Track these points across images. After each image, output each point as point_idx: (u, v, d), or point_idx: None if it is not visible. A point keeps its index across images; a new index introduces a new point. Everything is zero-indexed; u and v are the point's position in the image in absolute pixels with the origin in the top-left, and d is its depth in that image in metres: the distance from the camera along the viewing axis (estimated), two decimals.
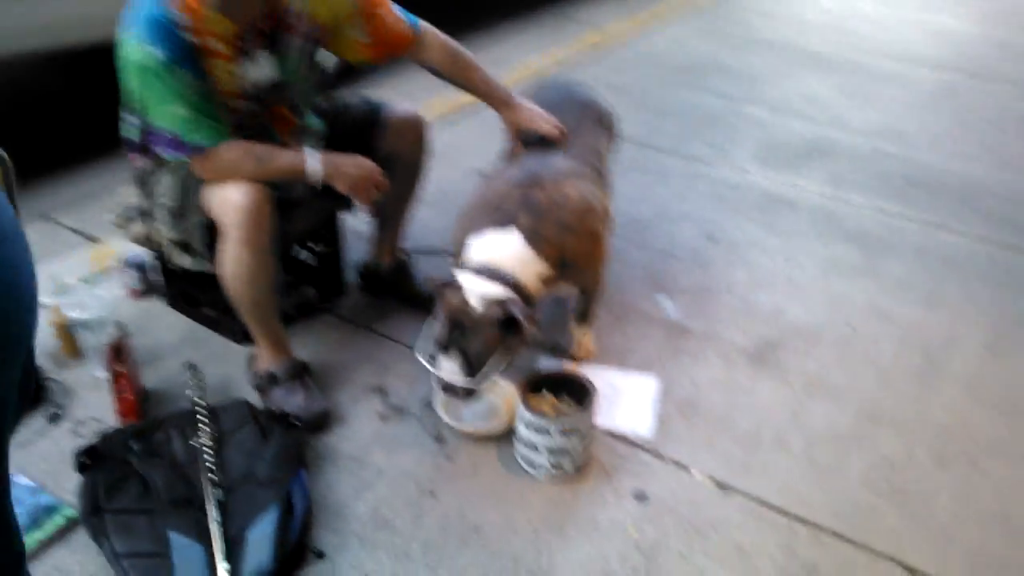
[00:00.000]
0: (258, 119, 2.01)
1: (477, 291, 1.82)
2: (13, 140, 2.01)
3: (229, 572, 1.57)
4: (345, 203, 2.31)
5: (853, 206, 3.12)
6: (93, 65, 2.81)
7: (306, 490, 1.78)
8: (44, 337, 2.14)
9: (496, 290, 1.82)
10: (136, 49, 1.77)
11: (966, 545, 1.79)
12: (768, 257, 2.79)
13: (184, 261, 2.10)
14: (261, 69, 1.95)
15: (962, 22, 5.42)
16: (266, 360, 2.07)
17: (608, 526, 1.80)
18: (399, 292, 2.44)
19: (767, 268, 2.73)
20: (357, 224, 2.59)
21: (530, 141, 2.18)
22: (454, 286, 1.85)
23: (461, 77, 2.21)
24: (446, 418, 2.01)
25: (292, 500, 1.73)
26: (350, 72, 3.31)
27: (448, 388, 1.87)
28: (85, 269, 2.52)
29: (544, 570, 1.69)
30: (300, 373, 2.07)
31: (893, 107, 4.05)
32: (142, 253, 2.34)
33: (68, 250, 2.65)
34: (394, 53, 2.15)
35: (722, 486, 1.91)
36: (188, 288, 2.30)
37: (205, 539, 1.62)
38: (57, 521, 1.71)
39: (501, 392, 2.09)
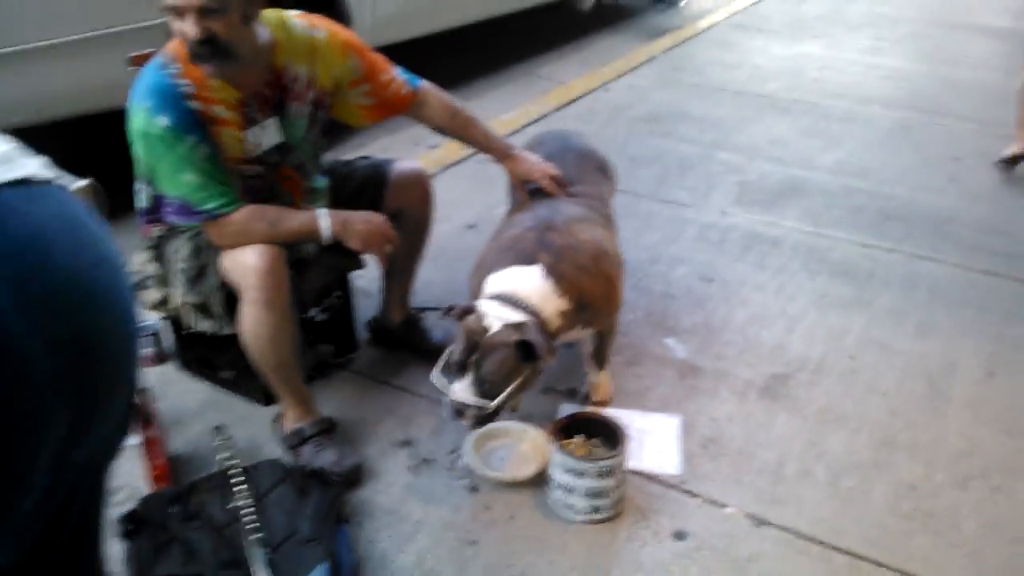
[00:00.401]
0: (266, 182, 2.03)
1: (496, 315, 1.84)
2: None
3: None
4: (355, 261, 2.33)
5: (834, 241, 3.24)
6: (102, 131, 2.80)
7: (350, 545, 1.77)
8: None
9: (515, 316, 1.85)
10: (142, 118, 1.79)
11: (997, 563, 1.85)
12: (762, 294, 2.87)
13: (204, 325, 2.09)
14: (267, 134, 1.97)
15: (907, 62, 5.69)
16: (292, 419, 2.06)
17: (652, 567, 1.82)
18: (412, 345, 2.46)
19: (763, 304, 2.81)
20: (364, 284, 2.61)
21: (534, 192, 2.24)
22: (474, 311, 1.87)
23: (462, 132, 2.26)
24: (477, 467, 2.02)
25: (339, 556, 1.71)
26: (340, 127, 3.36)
27: (459, 412, 1.83)
28: None
29: None
30: (328, 429, 2.07)
31: (855, 145, 4.22)
32: (155, 319, 2.32)
33: None
34: (394, 113, 2.20)
35: (756, 520, 1.95)
36: (205, 352, 2.28)
37: None
38: None
39: (530, 438, 2.11)
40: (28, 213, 0.75)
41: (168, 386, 2.30)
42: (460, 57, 5.38)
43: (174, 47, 1.83)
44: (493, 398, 1.81)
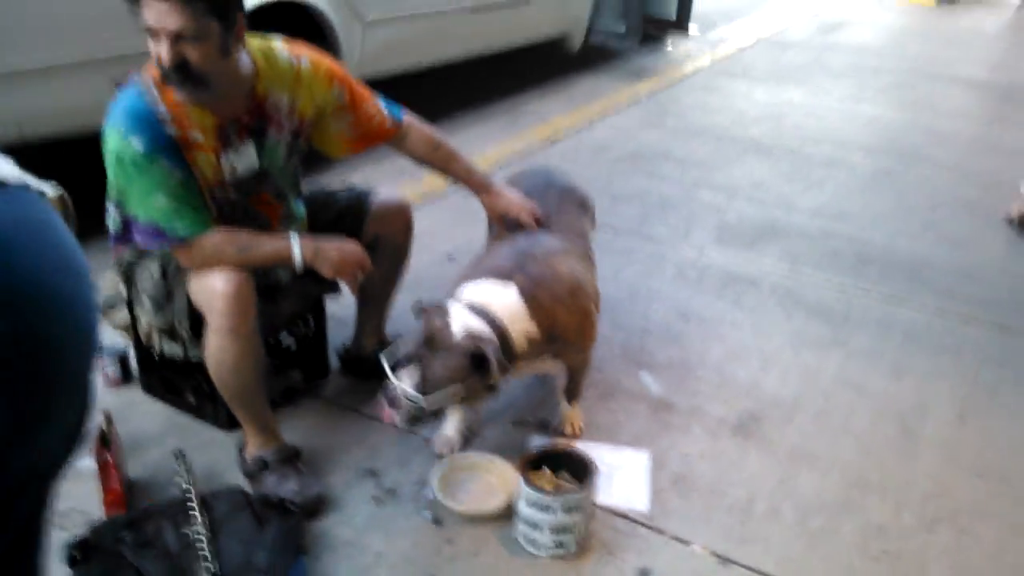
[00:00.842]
0: (242, 207, 2.02)
1: (461, 321, 1.82)
2: None
3: None
4: (330, 286, 2.31)
5: (811, 282, 3.24)
6: (76, 152, 2.79)
7: None
8: None
9: (480, 327, 1.83)
10: (117, 140, 1.78)
11: None
12: (738, 331, 2.86)
13: (170, 349, 2.06)
14: (243, 160, 1.96)
15: (887, 110, 5.76)
16: (256, 446, 2.03)
17: None
18: (384, 374, 2.42)
19: (739, 342, 2.80)
20: (339, 310, 2.58)
21: (512, 227, 2.23)
22: (441, 310, 1.85)
23: (442, 166, 2.26)
24: (443, 499, 1.98)
25: None
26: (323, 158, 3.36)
27: (393, 402, 1.78)
28: None
29: None
30: (291, 458, 2.03)
31: (835, 190, 4.25)
32: (120, 340, 2.29)
33: None
34: (375, 144, 2.20)
35: (722, 559, 1.92)
36: (170, 375, 2.25)
37: None
38: None
39: (497, 471, 2.08)
40: None
41: (131, 408, 2.26)
42: (445, 90, 5.42)
43: (152, 70, 1.82)
44: (430, 395, 1.76)
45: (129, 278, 2.03)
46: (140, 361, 2.30)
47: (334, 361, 2.50)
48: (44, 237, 0.80)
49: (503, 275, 1.95)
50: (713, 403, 2.46)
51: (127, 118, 1.76)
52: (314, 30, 3.92)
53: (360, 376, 2.45)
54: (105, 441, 1.90)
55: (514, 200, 2.25)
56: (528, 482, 1.87)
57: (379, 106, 2.14)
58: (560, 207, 2.30)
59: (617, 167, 4.40)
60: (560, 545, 1.87)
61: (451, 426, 2.19)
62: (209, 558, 1.69)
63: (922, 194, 4.26)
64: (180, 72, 1.70)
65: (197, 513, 1.79)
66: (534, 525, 1.86)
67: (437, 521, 1.97)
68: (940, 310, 3.08)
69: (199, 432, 2.21)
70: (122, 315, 2.09)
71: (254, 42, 1.94)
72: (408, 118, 2.20)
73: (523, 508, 1.87)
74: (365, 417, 2.30)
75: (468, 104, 5.33)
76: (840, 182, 4.37)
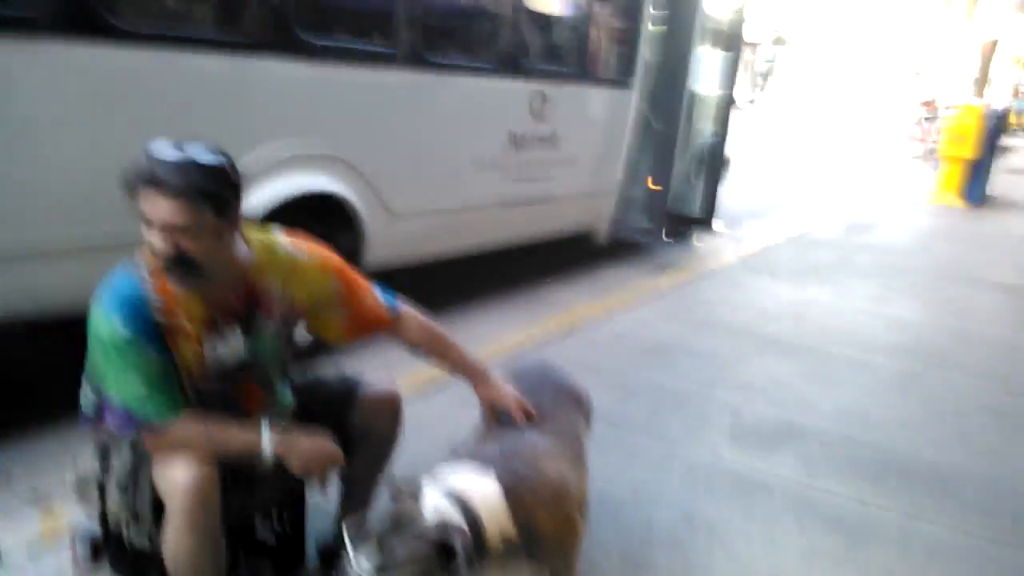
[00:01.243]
0: (223, 395, 1.99)
1: (434, 506, 1.72)
2: None
3: None
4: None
5: (828, 493, 3.09)
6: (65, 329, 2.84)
7: None
8: None
9: (454, 517, 1.72)
10: (103, 322, 1.78)
11: None
12: (747, 543, 2.70)
13: (135, 536, 1.98)
14: (230, 348, 1.95)
15: (914, 312, 5.71)
16: None
17: None
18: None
19: (747, 555, 2.63)
20: (322, 499, 2.49)
21: (504, 420, 2.17)
22: (415, 494, 1.75)
23: (438, 355, 2.24)
24: None
25: None
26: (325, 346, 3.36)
27: None
28: (35, 535, 2.37)
29: None
30: None
31: (857, 392, 4.15)
32: (94, 524, 2.21)
33: (18, 512, 2.51)
34: (370, 334, 2.20)
35: None
36: (142, 565, 2.14)
37: None
38: None
39: None
40: None
41: None
42: (469, 274, 5.51)
43: (147, 255, 1.84)
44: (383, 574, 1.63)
45: (104, 461, 1.99)
46: (114, 542, 2.21)
47: (313, 556, 2.39)
48: None
49: (484, 466, 1.87)
50: None
51: (116, 301, 1.78)
52: (343, 220, 4.06)
53: (340, 571, 2.33)
54: None
55: (507, 394, 2.20)
56: None
57: (376, 297, 2.16)
58: (555, 404, 2.24)
59: (633, 360, 4.36)
60: None
61: None
62: None
63: (949, 399, 4.13)
64: (176, 261, 1.73)
65: None
66: None
67: None
68: (966, 527, 2.89)
69: None
70: (94, 498, 2.03)
71: (259, 236, 1.98)
72: (405, 308, 2.21)
73: None
74: None
75: (491, 290, 5.41)
76: (863, 384, 4.27)
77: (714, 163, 6.97)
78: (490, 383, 2.23)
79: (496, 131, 4.98)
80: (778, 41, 35.39)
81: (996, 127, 10.64)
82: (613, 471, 3.10)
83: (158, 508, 1.88)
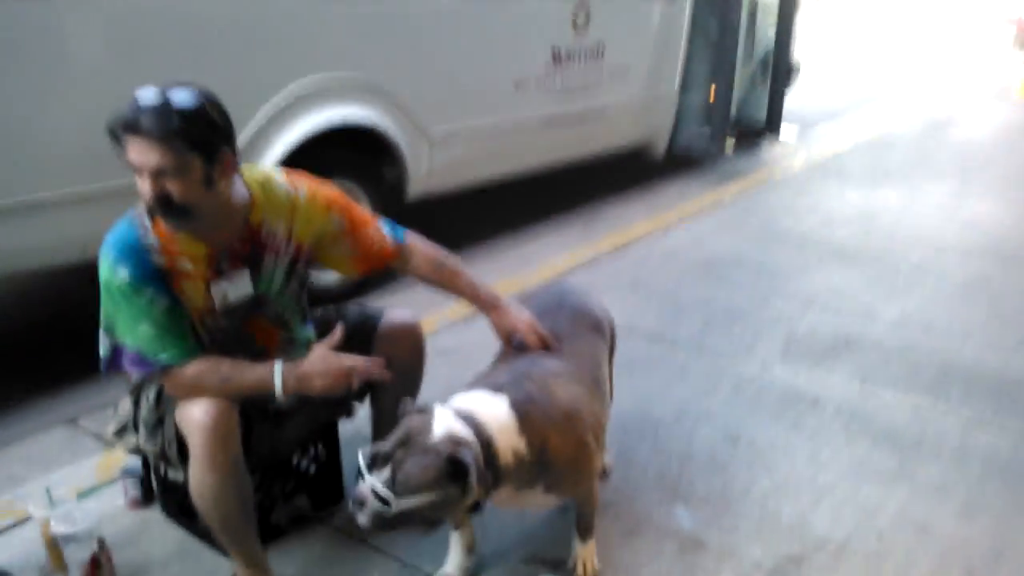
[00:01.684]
0: (235, 333, 2.02)
1: (444, 424, 1.71)
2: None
3: None
4: (341, 408, 2.28)
5: (883, 402, 2.99)
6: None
7: None
8: (34, 550, 2.10)
9: (464, 433, 1.71)
10: (106, 268, 1.82)
11: None
12: (791, 460, 2.65)
13: (174, 474, 2.06)
14: (237, 288, 1.96)
15: (990, 214, 5.40)
16: None
17: None
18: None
19: (790, 472, 2.58)
20: (356, 432, 2.54)
21: (519, 347, 2.14)
22: (425, 412, 1.75)
23: (447, 284, 2.22)
24: None
25: None
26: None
27: (359, 503, 1.65)
28: (92, 478, 2.50)
29: None
30: None
31: (923, 297, 3.98)
32: (138, 462, 2.32)
33: (82, 458, 2.63)
34: (379, 266, 2.19)
35: None
36: (183, 499, 2.24)
37: None
38: None
39: None
40: None
41: (143, 532, 2.26)
42: (521, 198, 5.45)
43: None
44: (400, 498, 1.62)
45: (136, 401, 2.06)
46: (159, 483, 2.31)
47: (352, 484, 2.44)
48: None
49: (495, 388, 1.86)
50: (750, 543, 2.26)
51: (116, 248, 1.81)
52: (381, 150, 4.04)
53: None
54: (97, 567, 1.89)
55: (521, 319, 2.16)
56: None
57: (380, 230, 2.14)
58: (573, 329, 2.20)
59: (686, 274, 4.27)
60: None
61: (452, 563, 2.08)
62: None
63: (1020, 304, 3.92)
64: (162, 205, 1.74)
65: None
66: None
67: None
68: None
69: (206, 560, 2.17)
70: (132, 437, 2.11)
71: (255, 173, 1.97)
72: (411, 239, 2.19)
73: None
74: (371, 549, 2.22)
75: (547, 212, 5.34)
76: (929, 290, 4.09)
77: (779, 69, 6.65)
78: (503, 310, 2.19)
79: (537, 46, 4.82)
80: None
81: None
82: (656, 389, 3.07)
83: (184, 448, 1.94)
